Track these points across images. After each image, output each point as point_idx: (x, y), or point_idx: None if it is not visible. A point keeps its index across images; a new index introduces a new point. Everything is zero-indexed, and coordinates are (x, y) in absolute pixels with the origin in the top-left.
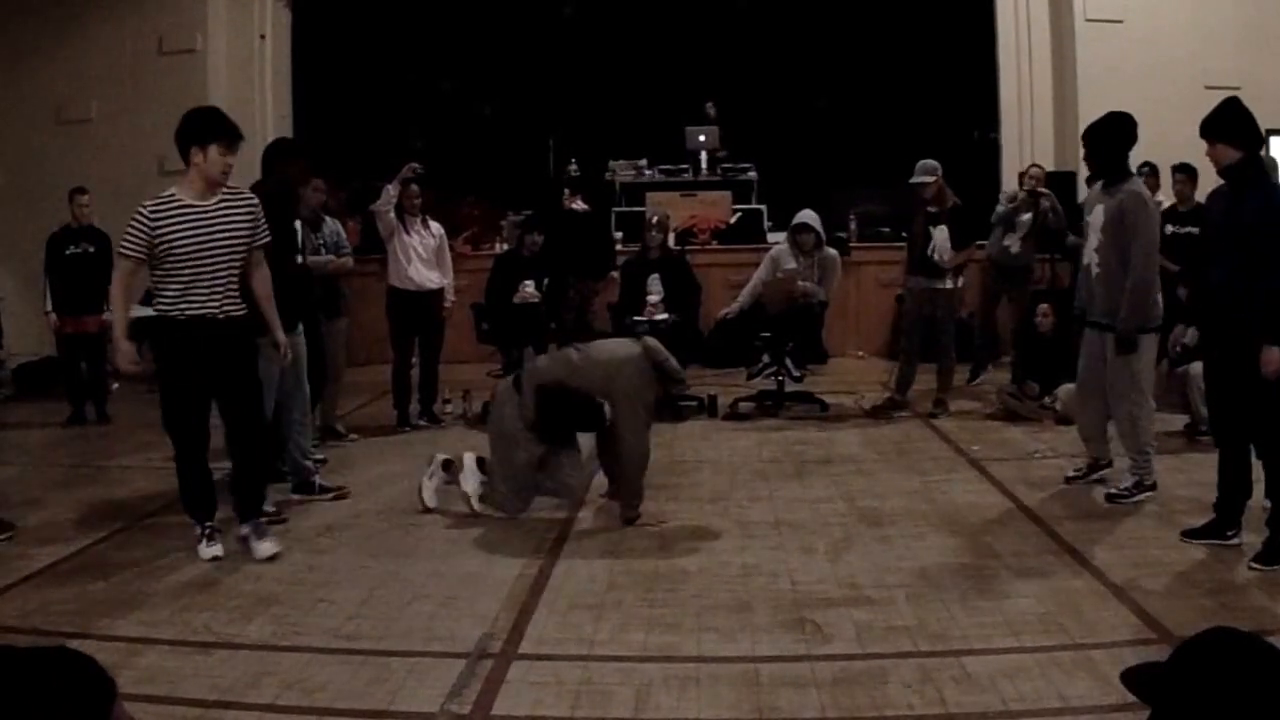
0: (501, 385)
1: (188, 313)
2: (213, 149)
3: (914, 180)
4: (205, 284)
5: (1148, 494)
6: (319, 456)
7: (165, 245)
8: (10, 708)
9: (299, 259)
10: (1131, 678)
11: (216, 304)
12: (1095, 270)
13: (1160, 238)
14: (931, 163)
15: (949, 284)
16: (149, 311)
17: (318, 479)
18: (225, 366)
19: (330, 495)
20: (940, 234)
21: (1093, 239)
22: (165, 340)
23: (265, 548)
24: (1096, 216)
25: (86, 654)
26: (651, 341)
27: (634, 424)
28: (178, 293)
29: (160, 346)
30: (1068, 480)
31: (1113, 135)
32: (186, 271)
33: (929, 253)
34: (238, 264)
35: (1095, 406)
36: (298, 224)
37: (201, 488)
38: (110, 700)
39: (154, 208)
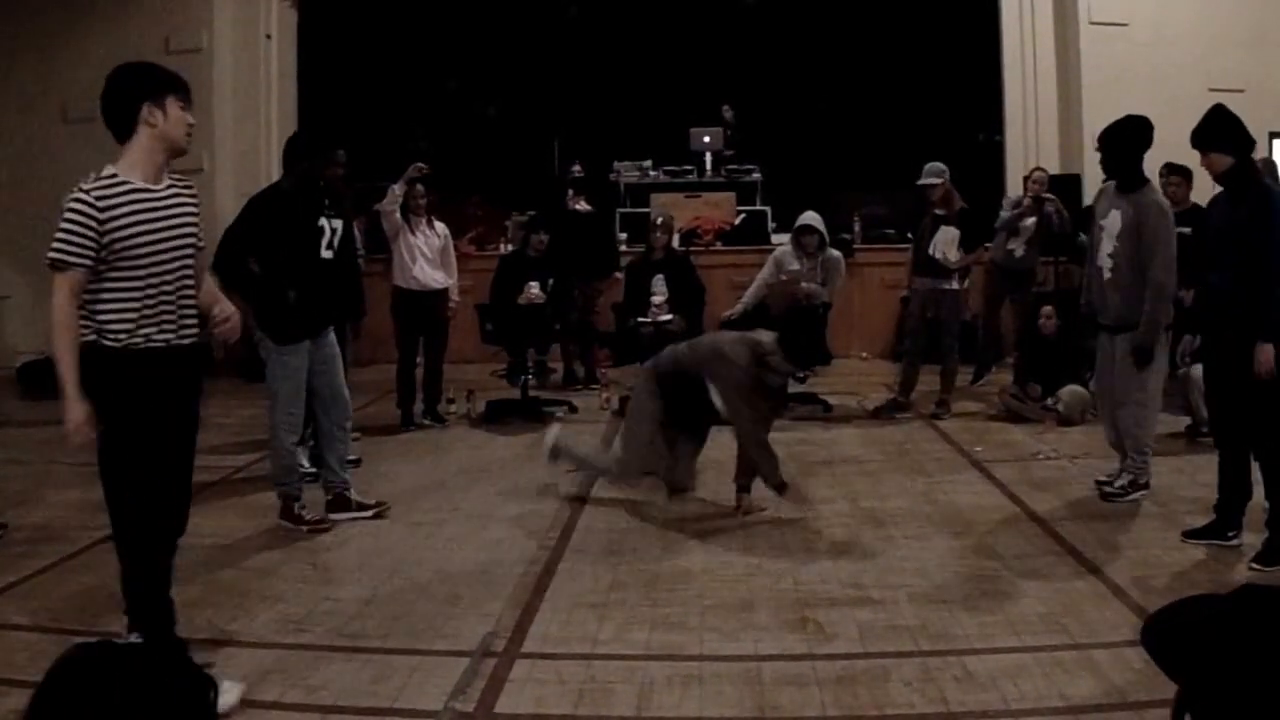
0: (642, 371)
1: (150, 341)
2: (171, 102)
3: (921, 182)
4: (168, 298)
5: (1142, 493)
6: (352, 457)
7: (119, 245)
8: (122, 702)
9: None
10: (1159, 638)
11: (174, 326)
12: (1107, 274)
13: None
14: (939, 165)
15: (954, 285)
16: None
17: (354, 494)
18: (180, 414)
19: (370, 513)
20: (944, 233)
21: (1106, 244)
22: (120, 383)
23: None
24: (1112, 221)
25: (185, 652)
26: (759, 337)
27: (735, 407)
28: (136, 313)
29: (111, 392)
30: (1099, 485)
31: (1129, 138)
32: (150, 282)
33: (930, 251)
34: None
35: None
36: (324, 220)
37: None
38: (213, 697)
39: (100, 193)
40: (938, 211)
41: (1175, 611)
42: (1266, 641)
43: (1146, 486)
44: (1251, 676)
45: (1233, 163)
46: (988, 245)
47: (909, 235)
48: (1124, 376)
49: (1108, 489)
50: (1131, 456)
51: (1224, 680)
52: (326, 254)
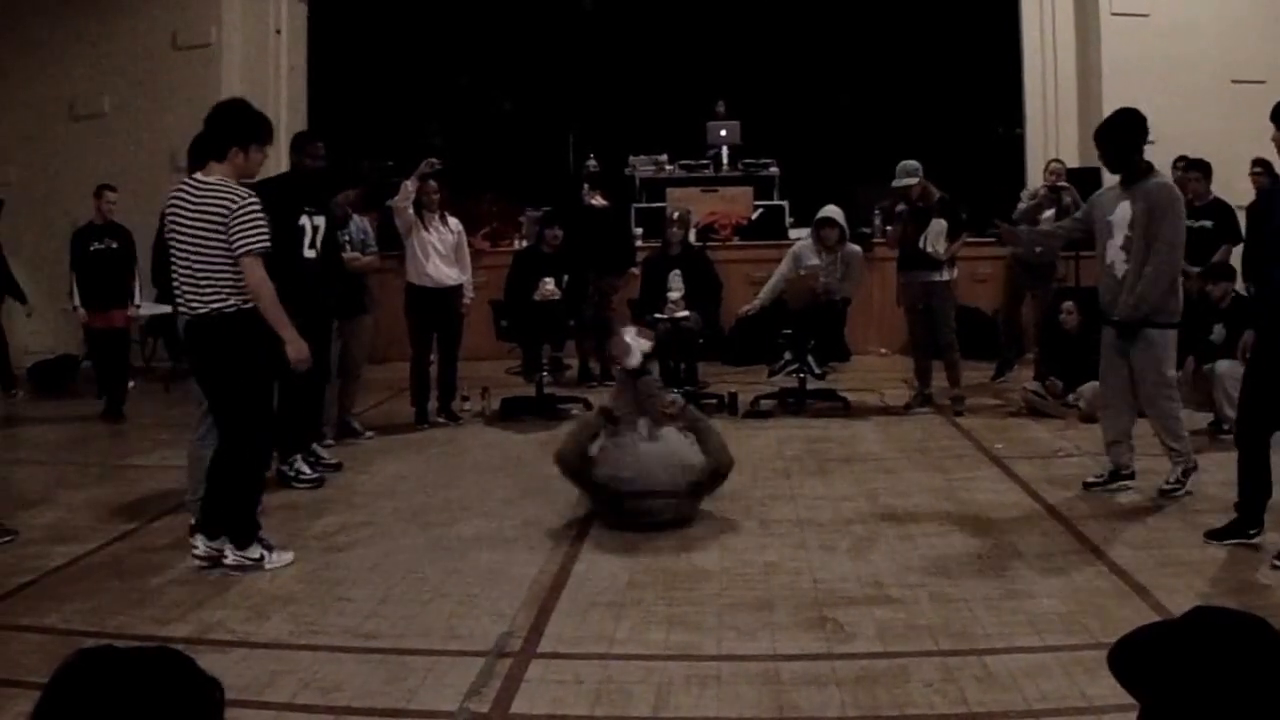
0: None
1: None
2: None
3: (897, 184)
4: None
5: (1193, 477)
6: (332, 460)
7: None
8: (127, 707)
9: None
10: (1122, 661)
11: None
12: (1121, 269)
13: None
14: (912, 164)
15: (944, 276)
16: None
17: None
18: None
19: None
20: (934, 226)
21: (1118, 237)
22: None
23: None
24: (1121, 214)
25: (189, 656)
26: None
27: None
28: None
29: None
30: (1086, 486)
31: (1122, 132)
32: None
33: (920, 245)
34: None
35: (1119, 410)
36: (304, 219)
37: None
38: (222, 705)
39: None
40: (918, 204)
41: (1136, 635)
42: (1215, 659)
43: (1195, 468)
44: (1203, 692)
45: None
46: (972, 238)
47: (887, 228)
48: (1143, 371)
49: (1164, 487)
50: (1173, 448)
51: (1180, 697)
52: (310, 253)
